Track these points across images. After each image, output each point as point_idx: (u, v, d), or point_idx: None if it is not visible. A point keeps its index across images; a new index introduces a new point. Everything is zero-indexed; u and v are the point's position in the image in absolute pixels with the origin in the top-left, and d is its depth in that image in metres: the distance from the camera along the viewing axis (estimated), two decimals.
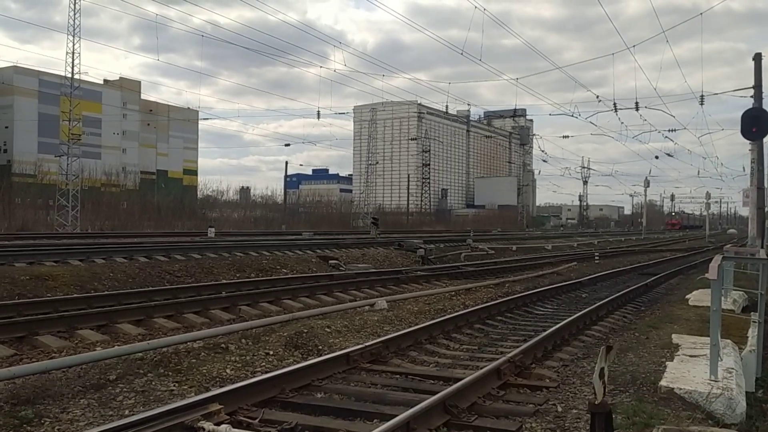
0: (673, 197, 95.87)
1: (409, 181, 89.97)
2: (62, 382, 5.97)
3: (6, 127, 70.39)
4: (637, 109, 28.32)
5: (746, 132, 18.62)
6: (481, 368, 6.34)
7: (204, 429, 4.52)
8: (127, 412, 5.22)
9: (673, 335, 8.59)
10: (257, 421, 4.92)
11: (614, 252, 34.03)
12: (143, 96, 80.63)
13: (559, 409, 5.42)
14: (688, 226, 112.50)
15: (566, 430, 4.94)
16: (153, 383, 6.05)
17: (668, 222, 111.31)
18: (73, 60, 38.91)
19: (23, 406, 5.20)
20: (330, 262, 19.62)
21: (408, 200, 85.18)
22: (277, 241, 24.14)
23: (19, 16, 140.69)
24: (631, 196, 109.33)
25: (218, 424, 4.61)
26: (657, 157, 52.78)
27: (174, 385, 6.02)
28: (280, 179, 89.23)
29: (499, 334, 9.49)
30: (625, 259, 29.64)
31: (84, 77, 41.02)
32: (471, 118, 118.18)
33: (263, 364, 7.02)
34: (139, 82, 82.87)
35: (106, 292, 11.71)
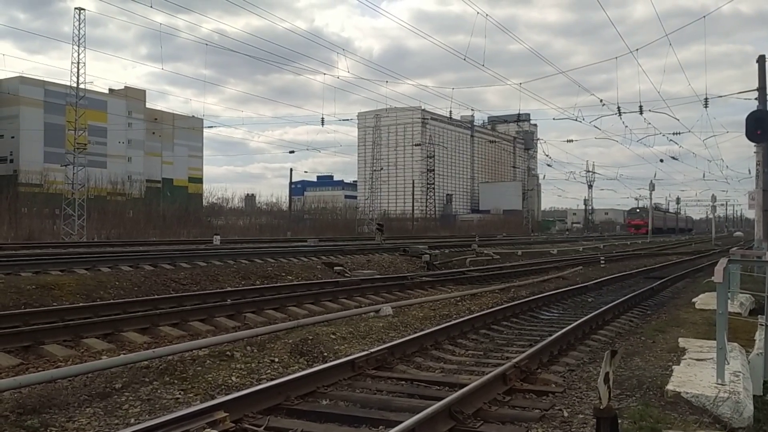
0: (678, 200, 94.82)
1: (413, 186, 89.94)
2: (68, 391, 5.98)
3: (12, 137, 70.89)
4: (641, 112, 28.30)
5: (751, 134, 18.54)
6: (487, 374, 6.32)
7: None
8: (132, 420, 5.23)
9: (680, 339, 8.55)
10: (262, 428, 4.92)
11: (620, 256, 33.92)
12: (149, 105, 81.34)
13: (565, 414, 5.39)
14: (665, 229, 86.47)
15: None
16: (158, 391, 6.06)
17: (629, 222, 79.00)
18: (78, 70, 39.22)
19: (29, 416, 5.20)
20: (335, 268, 19.62)
21: (413, 206, 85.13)
22: (282, 248, 24.19)
23: (27, 26, 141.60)
24: (636, 199, 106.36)
25: (223, 431, 4.62)
26: (662, 161, 52.91)
27: (179, 393, 6.03)
28: (285, 186, 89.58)
29: (504, 340, 9.46)
30: (631, 262, 29.57)
31: (92, 87, 41.41)
32: (475, 124, 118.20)
33: (268, 371, 7.02)
34: (144, 91, 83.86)
35: (111, 301, 11.74)
